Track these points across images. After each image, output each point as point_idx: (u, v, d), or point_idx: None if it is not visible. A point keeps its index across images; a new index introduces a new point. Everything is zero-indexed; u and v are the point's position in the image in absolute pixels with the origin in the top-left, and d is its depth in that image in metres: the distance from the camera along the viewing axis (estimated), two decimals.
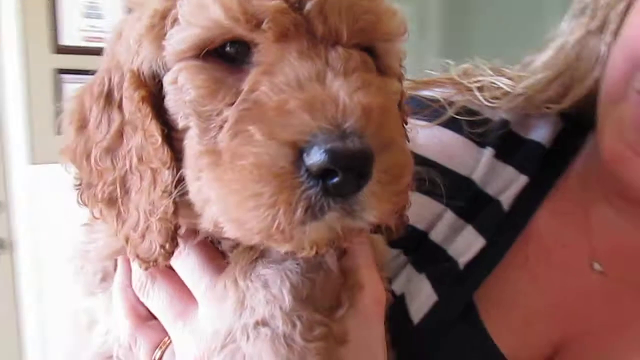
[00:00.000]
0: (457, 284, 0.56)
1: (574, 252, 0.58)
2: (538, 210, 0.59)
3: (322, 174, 0.33)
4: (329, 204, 0.35)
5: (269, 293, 0.41)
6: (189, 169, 0.40)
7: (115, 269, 0.56)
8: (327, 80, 0.35)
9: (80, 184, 0.46)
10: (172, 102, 0.41)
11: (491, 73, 0.64)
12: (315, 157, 0.33)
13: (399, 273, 0.61)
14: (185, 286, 0.49)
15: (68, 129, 0.45)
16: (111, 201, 0.44)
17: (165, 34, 0.40)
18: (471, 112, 0.62)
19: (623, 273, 0.57)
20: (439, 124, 0.62)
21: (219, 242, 0.49)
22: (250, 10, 0.37)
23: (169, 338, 0.50)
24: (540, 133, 0.61)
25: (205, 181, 0.38)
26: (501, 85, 0.62)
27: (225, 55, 0.39)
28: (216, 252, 0.48)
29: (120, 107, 0.42)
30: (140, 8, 0.42)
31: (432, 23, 3.03)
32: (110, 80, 0.43)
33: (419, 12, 2.94)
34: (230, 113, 0.37)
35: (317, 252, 0.39)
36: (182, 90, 0.40)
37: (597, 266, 0.58)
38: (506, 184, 0.59)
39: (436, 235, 0.60)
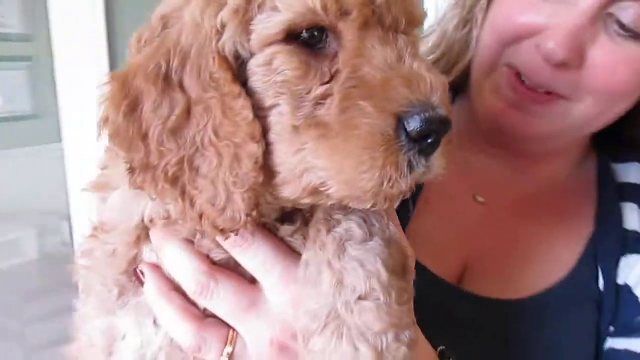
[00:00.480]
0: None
1: (461, 190, 0.73)
2: None
3: (418, 137, 0.41)
4: (420, 161, 0.42)
5: (366, 270, 0.45)
6: (281, 142, 0.43)
7: (132, 281, 0.55)
8: (407, 61, 0.43)
9: (132, 167, 0.45)
10: (260, 82, 0.43)
11: None
12: (415, 124, 0.40)
13: None
14: (245, 279, 0.51)
15: (111, 112, 0.44)
16: (176, 180, 0.43)
17: (251, 18, 0.43)
18: None
19: (500, 202, 0.72)
20: None
21: (277, 229, 0.51)
22: (341, 2, 0.42)
23: (234, 331, 0.51)
24: None
25: (310, 151, 0.42)
26: None
27: (303, 39, 0.43)
28: (279, 240, 0.51)
29: (182, 88, 0.43)
30: None
31: None
32: (167, 62, 0.43)
33: None
34: (335, 90, 0.42)
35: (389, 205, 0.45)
36: (276, 72, 0.43)
37: (479, 198, 0.73)
38: None
39: None
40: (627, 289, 0.70)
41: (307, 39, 0.43)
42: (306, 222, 0.50)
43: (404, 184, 0.42)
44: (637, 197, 0.73)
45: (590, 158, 0.78)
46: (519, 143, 0.70)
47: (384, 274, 0.46)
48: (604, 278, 0.69)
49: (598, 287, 0.69)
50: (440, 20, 0.79)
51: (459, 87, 0.76)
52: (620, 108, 0.68)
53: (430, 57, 0.76)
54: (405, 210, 0.69)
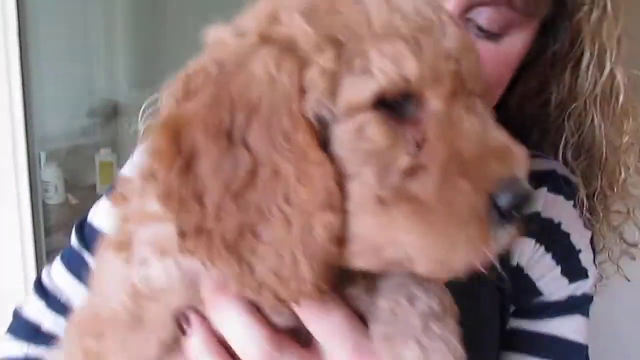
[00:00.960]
0: None
1: None
2: None
3: (507, 213, 0.40)
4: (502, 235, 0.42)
5: (447, 348, 0.44)
6: (363, 213, 0.40)
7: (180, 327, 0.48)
8: (490, 131, 0.42)
9: (183, 231, 0.40)
10: (345, 149, 0.40)
11: None
12: (508, 200, 0.40)
13: None
14: (307, 348, 0.47)
15: (162, 170, 0.40)
16: (234, 247, 0.39)
17: (340, 81, 0.39)
18: None
19: None
20: None
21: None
22: (436, 71, 0.40)
23: None
24: None
25: (401, 226, 0.39)
26: None
27: (391, 106, 0.40)
28: (349, 308, 0.47)
29: (247, 147, 0.39)
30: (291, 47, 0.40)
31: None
32: (231, 116, 0.39)
33: None
34: (428, 163, 0.40)
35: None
36: (365, 140, 0.40)
37: None
38: None
39: None
40: (520, 270, 0.74)
41: (395, 106, 0.40)
42: (368, 286, 0.47)
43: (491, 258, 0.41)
44: (545, 181, 0.77)
45: None
46: None
47: (459, 350, 0.45)
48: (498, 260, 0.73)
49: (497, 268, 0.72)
50: None
51: None
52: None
53: None
54: None
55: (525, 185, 0.41)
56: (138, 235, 0.48)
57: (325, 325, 0.45)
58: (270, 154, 0.39)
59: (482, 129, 0.41)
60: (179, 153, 0.39)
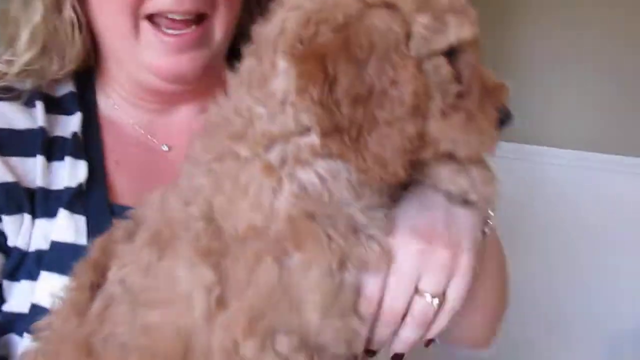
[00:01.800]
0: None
1: (148, 147, 0.75)
2: (101, 132, 0.74)
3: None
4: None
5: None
6: (434, 119, 0.54)
7: None
8: (487, 72, 0.59)
9: (325, 131, 0.49)
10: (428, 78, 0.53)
11: None
12: (505, 115, 0.58)
13: None
14: None
15: (312, 86, 0.50)
16: (356, 141, 0.50)
17: (430, 34, 0.53)
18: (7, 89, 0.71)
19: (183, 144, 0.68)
20: None
21: None
22: (475, 35, 0.56)
23: None
24: (67, 87, 0.74)
25: (454, 126, 0.54)
26: None
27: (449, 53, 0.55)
28: None
29: (369, 74, 0.51)
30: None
31: None
32: (360, 52, 0.50)
33: None
34: (471, 90, 0.56)
35: None
36: (438, 74, 0.53)
37: (164, 147, 0.76)
38: (65, 131, 0.70)
39: None
40: None
41: (451, 52, 0.54)
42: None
43: None
44: None
45: None
46: (189, 84, 0.73)
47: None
48: None
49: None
50: (17, 18, 0.73)
51: (83, 74, 0.75)
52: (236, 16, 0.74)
53: (25, 56, 0.70)
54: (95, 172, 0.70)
55: (509, 107, 0.58)
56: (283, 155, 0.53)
57: None
58: (381, 78, 0.51)
59: (487, 72, 0.58)
60: (325, 74, 0.49)
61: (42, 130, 0.67)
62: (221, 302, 0.47)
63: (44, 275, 0.61)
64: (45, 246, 0.62)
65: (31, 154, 0.66)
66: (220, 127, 0.53)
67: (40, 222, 0.63)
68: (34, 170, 0.65)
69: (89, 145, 0.70)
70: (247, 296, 0.47)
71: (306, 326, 0.47)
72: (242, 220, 0.49)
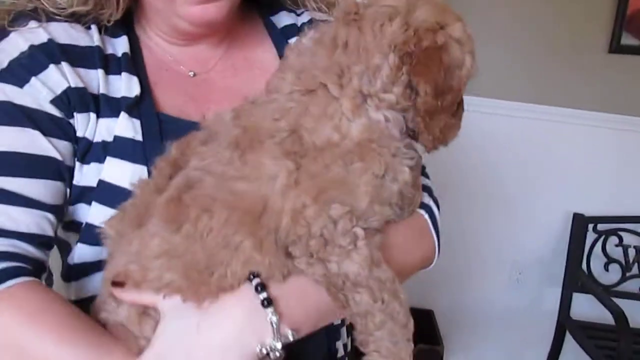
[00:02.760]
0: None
1: (177, 72, 0.86)
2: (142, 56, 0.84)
3: None
4: None
5: None
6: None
7: None
8: None
9: (429, 110, 0.67)
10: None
11: None
12: None
13: None
14: None
15: (435, 72, 0.66)
16: (433, 116, 0.69)
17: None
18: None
19: (209, 71, 0.88)
20: None
21: None
22: None
23: None
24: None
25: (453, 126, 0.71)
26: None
27: None
28: None
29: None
30: None
31: None
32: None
33: None
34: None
35: None
36: None
37: (190, 73, 0.86)
38: (116, 50, 0.80)
39: None
40: None
41: None
42: None
43: None
44: (293, 33, 0.92)
45: (255, 18, 0.96)
46: (216, 28, 0.85)
47: None
48: None
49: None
50: None
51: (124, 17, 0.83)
52: None
53: (82, 11, 0.78)
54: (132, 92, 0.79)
55: None
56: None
57: None
58: (451, 85, 0.69)
59: None
60: (435, 75, 0.66)
61: (98, 48, 0.78)
62: (297, 182, 0.61)
63: (109, 159, 0.74)
64: (109, 139, 0.74)
65: (93, 66, 0.76)
66: (309, 70, 0.68)
67: (104, 121, 0.75)
68: (96, 79, 0.76)
69: (135, 64, 0.81)
70: (318, 179, 0.62)
71: (356, 205, 0.62)
72: (322, 136, 0.64)
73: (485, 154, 2.42)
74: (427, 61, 0.65)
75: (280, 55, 0.89)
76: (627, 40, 2.37)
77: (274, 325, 0.60)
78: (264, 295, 0.60)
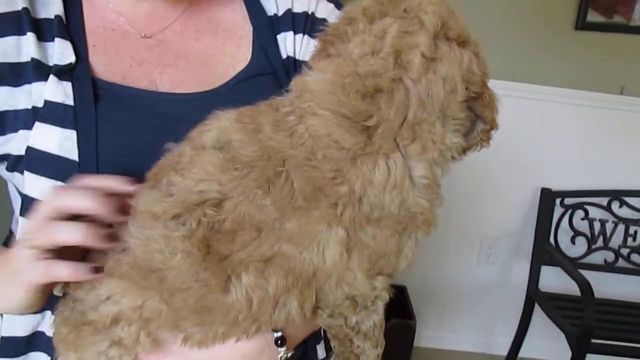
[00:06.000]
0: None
1: (124, 32, 0.77)
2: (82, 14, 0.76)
3: None
4: None
5: None
6: None
7: None
8: None
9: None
10: None
11: None
12: None
13: None
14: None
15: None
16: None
17: None
18: None
19: (167, 34, 0.79)
20: None
21: None
22: None
23: None
24: None
25: None
26: None
27: None
28: None
29: None
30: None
31: None
32: None
33: None
34: None
35: None
36: None
37: (141, 34, 0.78)
38: (48, 13, 0.73)
39: None
40: (291, 59, 0.81)
41: None
42: None
43: None
44: None
45: None
46: None
47: None
48: (269, 58, 0.80)
49: (271, 65, 0.80)
50: None
51: None
52: None
53: None
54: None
55: None
56: None
57: None
58: None
59: None
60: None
61: (26, 11, 0.70)
62: (349, 251, 0.56)
63: (38, 125, 0.68)
64: (40, 104, 0.69)
65: (17, 32, 0.70)
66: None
67: (36, 85, 0.69)
68: (23, 46, 0.70)
69: (70, 26, 0.73)
70: (369, 250, 0.57)
71: (397, 270, 0.60)
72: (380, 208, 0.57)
73: None
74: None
75: (252, 18, 0.82)
76: (593, 17, 2.40)
77: (283, 359, 0.64)
78: (278, 334, 0.63)
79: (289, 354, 0.64)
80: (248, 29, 0.82)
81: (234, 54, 0.80)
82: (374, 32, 0.58)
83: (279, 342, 0.62)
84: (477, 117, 0.62)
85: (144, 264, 0.56)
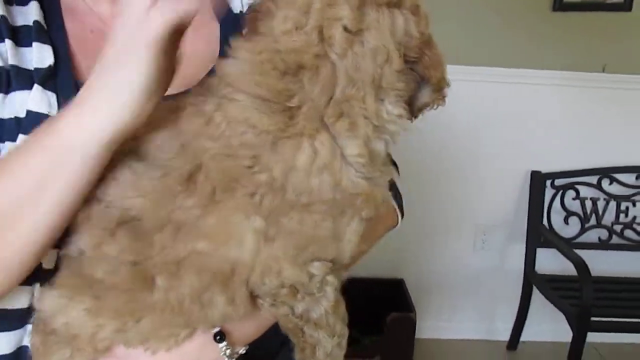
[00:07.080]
0: None
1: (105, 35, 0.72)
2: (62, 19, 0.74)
3: None
4: None
5: None
6: None
7: None
8: None
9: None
10: None
11: None
12: None
13: None
14: None
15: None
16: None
17: None
18: None
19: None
20: None
21: None
22: None
23: None
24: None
25: None
26: None
27: None
28: None
29: None
30: None
31: None
32: None
33: None
34: None
35: None
36: None
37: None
38: (26, 20, 0.71)
39: None
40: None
41: None
42: None
43: None
44: None
45: None
46: None
47: None
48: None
49: None
50: None
51: None
52: None
53: None
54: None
55: None
56: None
57: None
58: None
59: None
60: None
61: (3, 18, 0.69)
62: (271, 239, 0.53)
63: (22, 138, 0.66)
64: (22, 114, 0.67)
65: None
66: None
67: (18, 94, 0.68)
68: (4, 53, 0.69)
69: (51, 31, 0.72)
70: (296, 236, 0.54)
71: (339, 258, 0.57)
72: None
73: (438, 120, 2.43)
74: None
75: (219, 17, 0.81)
76: None
77: (227, 354, 0.61)
78: (216, 330, 0.61)
79: (240, 350, 0.62)
80: (214, 26, 0.82)
81: (205, 52, 0.79)
82: (298, 5, 0.53)
83: (218, 337, 0.61)
84: (422, 78, 0.57)
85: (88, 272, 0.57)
